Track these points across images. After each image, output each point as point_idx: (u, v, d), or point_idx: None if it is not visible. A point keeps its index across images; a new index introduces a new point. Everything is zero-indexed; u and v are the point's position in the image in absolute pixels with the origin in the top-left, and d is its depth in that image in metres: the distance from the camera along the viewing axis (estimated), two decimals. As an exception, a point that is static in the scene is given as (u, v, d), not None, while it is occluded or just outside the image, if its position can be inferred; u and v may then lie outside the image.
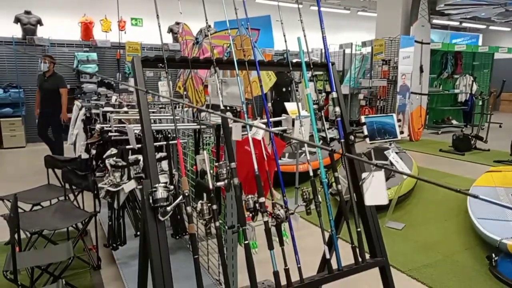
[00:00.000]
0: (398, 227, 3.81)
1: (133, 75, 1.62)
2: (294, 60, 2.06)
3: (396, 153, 4.29)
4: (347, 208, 1.90)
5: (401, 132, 8.51)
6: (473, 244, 3.43)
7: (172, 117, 3.28)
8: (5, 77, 8.22)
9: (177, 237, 2.73)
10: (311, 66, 2.01)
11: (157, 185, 1.46)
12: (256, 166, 1.69)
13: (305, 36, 2.03)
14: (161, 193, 1.45)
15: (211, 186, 1.59)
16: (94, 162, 3.98)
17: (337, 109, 1.97)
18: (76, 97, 7.95)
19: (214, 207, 1.56)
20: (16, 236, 2.47)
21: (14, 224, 2.30)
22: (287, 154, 5.25)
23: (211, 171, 1.71)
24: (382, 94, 8.65)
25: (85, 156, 4.50)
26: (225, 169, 1.67)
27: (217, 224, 1.54)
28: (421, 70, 8.62)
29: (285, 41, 2.04)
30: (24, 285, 2.24)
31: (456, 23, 15.34)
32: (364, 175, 1.64)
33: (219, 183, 1.68)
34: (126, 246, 2.74)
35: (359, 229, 1.85)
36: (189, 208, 1.51)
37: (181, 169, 1.62)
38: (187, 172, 2.89)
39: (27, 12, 8.42)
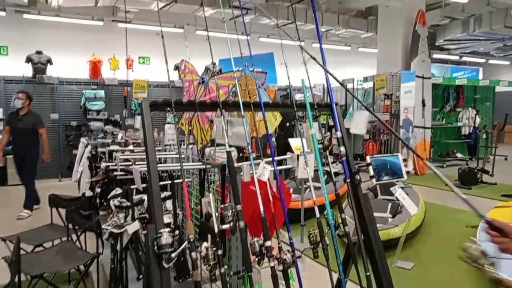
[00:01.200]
0: (407, 266, 3.70)
1: (141, 119, 1.64)
2: (297, 96, 2.10)
3: (402, 188, 4.24)
4: (355, 249, 1.85)
5: (405, 166, 8.47)
6: (485, 285, 3.30)
7: (177, 155, 3.31)
8: (14, 114, 8.38)
9: (180, 280, 2.66)
10: (315, 107, 2.03)
11: (162, 230, 1.44)
12: (262, 209, 1.67)
13: (308, 78, 2.08)
14: (166, 238, 1.42)
15: (216, 230, 1.57)
16: (98, 200, 3.97)
17: (342, 148, 1.97)
18: (82, 134, 8.06)
19: (220, 252, 1.52)
20: (16, 279, 2.42)
21: (15, 268, 2.26)
22: (291, 190, 5.20)
23: (216, 213, 1.69)
24: (385, 128, 8.69)
25: (89, 193, 4.49)
26: (230, 211, 1.65)
27: (223, 270, 1.50)
28: (423, 104, 8.70)
29: (289, 79, 2.09)
30: (22, 333, 2.17)
31: (456, 57, 15.66)
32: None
33: (224, 226, 1.65)
34: (129, 290, 2.67)
35: (368, 273, 1.80)
36: (194, 254, 1.48)
37: (187, 212, 1.61)
38: (191, 211, 2.86)
39: (39, 52, 8.72)
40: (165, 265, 1.41)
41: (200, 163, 2.43)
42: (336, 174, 4.87)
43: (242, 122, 1.94)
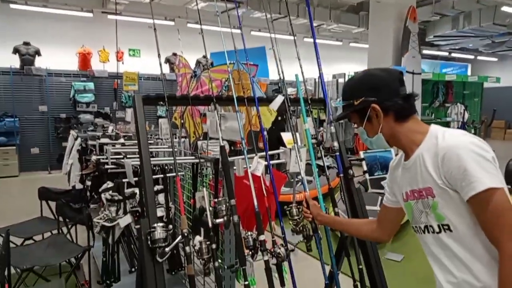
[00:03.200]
0: (397, 258, 3.76)
1: (133, 113, 1.63)
2: (289, 90, 2.10)
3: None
4: (347, 242, 1.88)
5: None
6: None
7: (170, 149, 3.29)
8: (1, 106, 8.23)
9: (173, 272, 2.66)
10: (309, 102, 2.04)
11: (155, 225, 1.44)
12: (255, 203, 1.68)
13: (302, 73, 2.08)
14: (159, 233, 1.42)
15: (210, 224, 1.57)
16: (88, 193, 3.93)
17: (335, 143, 1.99)
18: (72, 127, 7.95)
19: (213, 246, 1.53)
20: (6, 272, 2.40)
21: (4, 261, 2.23)
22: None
23: (210, 208, 1.69)
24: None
25: (79, 186, 4.45)
26: (224, 205, 1.65)
27: (216, 264, 1.50)
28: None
29: (282, 72, 2.08)
30: (13, 327, 2.15)
31: (445, 53, 15.80)
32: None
33: (218, 220, 1.66)
34: (120, 283, 2.66)
35: (360, 267, 1.82)
36: (188, 248, 1.48)
37: (180, 207, 1.61)
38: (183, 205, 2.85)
39: (26, 43, 8.54)
40: (159, 260, 1.41)
41: (193, 157, 2.43)
42: (327, 167, 4.91)
43: (236, 116, 1.93)
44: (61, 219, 3.39)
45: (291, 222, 1.73)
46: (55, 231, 3.38)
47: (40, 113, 8.65)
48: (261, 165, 1.79)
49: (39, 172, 8.45)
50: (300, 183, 1.89)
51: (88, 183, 3.87)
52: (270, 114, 2.88)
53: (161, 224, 1.44)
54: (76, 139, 5.21)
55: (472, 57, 16.60)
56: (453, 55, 16.09)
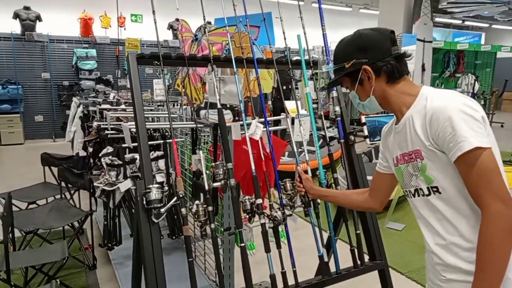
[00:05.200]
0: (398, 227, 3.77)
1: (128, 72, 1.58)
2: (294, 58, 2.02)
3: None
4: (346, 209, 1.86)
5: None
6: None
7: (172, 115, 3.25)
8: (4, 73, 8.17)
9: (174, 237, 2.69)
10: (311, 65, 1.96)
11: (151, 186, 1.42)
12: (253, 167, 1.65)
13: (305, 33, 1.99)
14: (155, 194, 1.41)
15: (206, 187, 1.55)
16: (91, 160, 3.94)
17: (337, 108, 1.93)
18: (75, 94, 7.90)
19: (210, 208, 1.52)
20: (10, 235, 2.44)
21: (7, 223, 2.26)
22: (286, 153, 5.19)
23: (208, 171, 1.67)
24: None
25: (82, 153, 4.46)
26: (221, 169, 1.63)
27: (213, 226, 1.50)
28: (423, 69, 8.56)
29: (285, 38, 2.00)
30: (17, 286, 2.21)
31: (458, 22, 15.24)
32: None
33: (215, 184, 1.64)
34: (122, 246, 2.70)
35: (358, 232, 1.81)
36: (184, 210, 1.47)
37: (177, 169, 1.58)
38: (184, 171, 2.85)
39: (26, 8, 8.36)
40: (154, 220, 1.40)
41: (192, 122, 2.39)
42: (332, 138, 4.85)
43: (235, 79, 1.87)
44: (64, 184, 3.42)
45: (284, 197, 1.72)
46: (58, 196, 3.42)
47: (43, 80, 8.60)
48: (259, 129, 1.74)
49: (44, 140, 8.51)
50: (303, 153, 1.85)
51: (91, 149, 3.87)
52: (271, 78, 2.79)
53: (156, 185, 1.43)
54: (78, 106, 5.18)
55: (486, 25, 16.02)
56: (467, 23, 15.52)
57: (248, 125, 1.78)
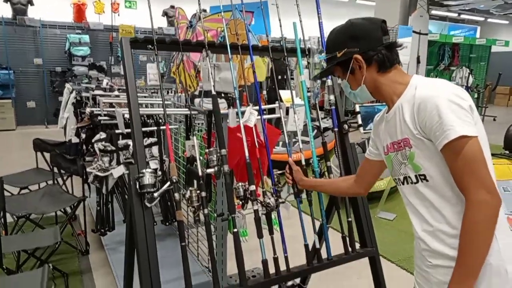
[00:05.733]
0: (389, 217, 3.82)
1: (121, 56, 1.56)
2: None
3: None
4: (338, 197, 1.87)
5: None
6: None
7: (166, 102, 3.23)
8: (-5, 58, 8.05)
9: (167, 223, 2.70)
10: (307, 53, 1.95)
11: (144, 170, 1.42)
12: (247, 154, 1.65)
13: (301, 21, 1.98)
14: (148, 178, 1.41)
15: (200, 173, 1.55)
16: (84, 147, 3.92)
17: (332, 97, 1.93)
18: (67, 80, 7.81)
19: (203, 194, 1.52)
20: (2, 220, 2.43)
21: (-1, 207, 2.25)
22: (280, 143, 5.20)
23: (201, 158, 1.67)
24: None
25: (75, 140, 4.42)
26: (215, 155, 1.63)
27: (206, 211, 1.50)
28: (418, 61, 8.57)
29: (280, 26, 1.98)
30: (9, 269, 2.21)
31: (454, 15, 15.25)
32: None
33: (209, 170, 1.64)
34: (115, 232, 2.71)
35: (350, 219, 1.83)
36: (177, 195, 1.47)
37: (170, 155, 1.58)
38: (177, 159, 2.84)
39: (18, -9, 8.20)
40: (148, 205, 1.40)
41: (186, 109, 2.38)
42: (326, 129, 4.85)
43: (229, 66, 1.86)
44: (56, 170, 3.41)
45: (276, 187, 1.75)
46: (50, 182, 3.41)
47: (35, 66, 8.48)
48: (254, 116, 1.74)
49: (36, 126, 8.43)
50: (297, 143, 1.85)
51: (83, 136, 3.84)
52: (265, 67, 2.78)
53: (149, 170, 1.42)
54: (71, 92, 5.12)
55: (482, 19, 16.05)
56: (463, 16, 15.54)
57: (243, 112, 1.78)
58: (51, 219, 3.36)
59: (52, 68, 8.60)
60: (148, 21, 1.62)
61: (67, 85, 5.71)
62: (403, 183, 1.20)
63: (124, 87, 4.54)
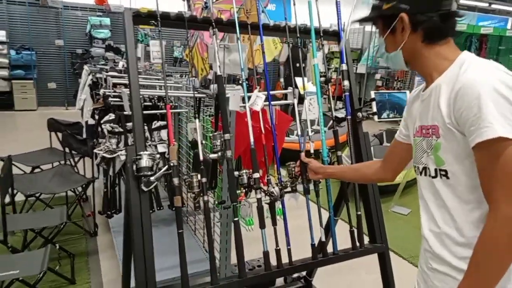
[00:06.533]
0: (403, 212, 3.69)
1: (123, 31, 1.49)
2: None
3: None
4: (348, 189, 1.78)
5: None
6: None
7: (174, 84, 3.17)
8: (18, 38, 8.15)
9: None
10: (321, 34, 1.84)
11: (142, 152, 1.36)
12: (252, 139, 1.57)
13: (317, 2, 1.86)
14: (145, 161, 1.34)
15: (201, 158, 1.48)
16: (99, 128, 3.92)
17: (346, 82, 1.81)
18: (87, 62, 7.86)
19: (204, 180, 1.45)
20: (10, 198, 2.44)
21: (6, 185, 2.25)
22: (295, 132, 5.10)
23: (208, 143, 1.60)
24: (400, 75, 8.33)
25: (91, 121, 4.45)
26: (219, 140, 1.55)
27: (206, 198, 1.43)
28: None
29: (294, 4, 1.87)
30: (14, 247, 2.22)
31: (485, 5, 14.53)
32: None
33: (212, 155, 1.57)
34: (122, 214, 2.67)
35: (359, 213, 1.74)
36: (176, 180, 1.41)
37: (170, 137, 1.51)
38: (188, 143, 2.79)
39: (41, -28, 8.24)
40: (144, 189, 1.35)
41: (191, 92, 2.30)
42: (343, 119, 4.72)
43: (238, 46, 1.76)
44: (68, 150, 3.42)
45: (287, 179, 1.66)
46: (63, 162, 3.42)
47: (57, 47, 8.56)
48: (260, 99, 1.65)
49: (56, 108, 8.56)
50: (312, 132, 1.75)
51: (97, 117, 3.84)
52: (275, 48, 2.66)
53: (147, 152, 1.36)
54: (89, 74, 5.14)
55: (514, 9, 15.23)
56: (494, 6, 14.79)
57: (250, 97, 1.69)
58: (62, 199, 3.38)
59: (73, 50, 8.67)
60: (169, 5, 1.54)
61: (85, 67, 5.73)
62: (421, 173, 1.07)
63: (139, 70, 4.51)
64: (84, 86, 5.55)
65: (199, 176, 1.47)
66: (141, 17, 1.48)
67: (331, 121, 4.83)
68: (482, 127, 0.84)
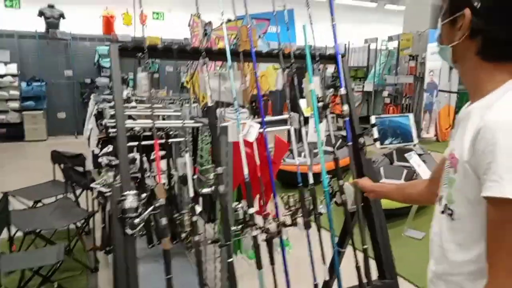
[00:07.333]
0: (418, 236, 3.50)
1: (110, 66, 1.44)
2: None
3: (420, 154, 3.95)
4: (351, 221, 1.66)
5: (427, 132, 8.05)
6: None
7: (177, 114, 3.12)
8: (29, 70, 8.34)
9: (174, 242, 2.55)
10: (317, 58, 1.77)
11: (127, 192, 1.28)
12: (246, 172, 1.48)
13: (311, 23, 1.80)
14: (130, 202, 1.26)
15: (191, 194, 1.40)
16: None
17: (345, 107, 1.73)
18: (94, 91, 7.98)
19: (194, 218, 1.36)
20: (8, 235, 2.39)
21: (1, 222, 2.20)
22: (302, 153, 4.99)
23: (195, 176, 1.52)
24: (408, 92, 8.21)
25: (97, 151, 4.44)
26: (212, 174, 1.47)
27: (196, 238, 1.34)
28: (451, 67, 8.10)
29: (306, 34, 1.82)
30: (9, 289, 2.13)
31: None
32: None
33: (204, 190, 1.49)
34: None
35: (365, 246, 1.61)
36: (163, 220, 1.32)
37: (158, 175, 1.43)
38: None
39: (51, 6, 8.50)
40: (129, 232, 1.26)
41: (191, 121, 2.24)
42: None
43: (236, 75, 1.71)
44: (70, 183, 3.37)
45: (286, 212, 1.57)
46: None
47: (66, 77, 8.74)
48: (255, 129, 1.57)
49: (66, 137, 8.65)
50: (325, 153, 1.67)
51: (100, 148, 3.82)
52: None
53: (133, 192, 1.28)
54: (96, 103, 5.19)
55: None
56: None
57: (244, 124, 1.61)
58: (64, 233, 3.31)
59: (82, 80, 8.83)
60: (175, 32, 1.50)
61: (92, 97, 5.80)
62: (437, 202, 0.97)
63: (143, 98, 4.52)
64: (90, 116, 5.61)
65: (190, 214, 1.38)
66: (128, 51, 1.43)
67: (340, 140, 4.67)
68: (492, 180, 0.73)
